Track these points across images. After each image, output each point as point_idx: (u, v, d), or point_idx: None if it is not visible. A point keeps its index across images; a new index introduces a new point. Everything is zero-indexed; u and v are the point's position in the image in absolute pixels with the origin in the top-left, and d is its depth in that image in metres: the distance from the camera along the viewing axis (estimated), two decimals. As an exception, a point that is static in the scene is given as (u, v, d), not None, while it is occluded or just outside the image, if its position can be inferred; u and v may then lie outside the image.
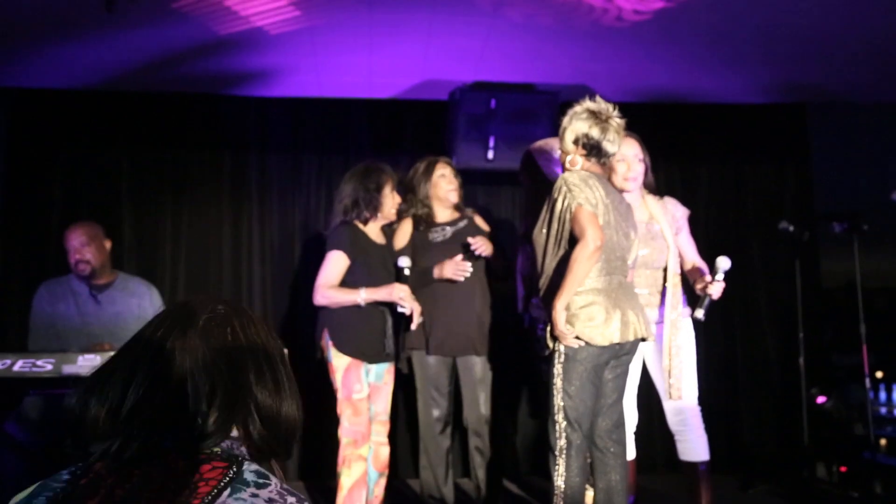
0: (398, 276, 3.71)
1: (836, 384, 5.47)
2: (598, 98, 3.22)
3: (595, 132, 3.17)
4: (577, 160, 3.20)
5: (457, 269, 3.85)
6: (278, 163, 5.35)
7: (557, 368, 3.09)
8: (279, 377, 1.27)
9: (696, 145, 5.54)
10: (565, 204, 3.08)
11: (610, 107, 3.21)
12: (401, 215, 4.02)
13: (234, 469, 1.13)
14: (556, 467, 3.06)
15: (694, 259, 3.71)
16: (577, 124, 3.18)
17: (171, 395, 1.18)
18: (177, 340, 1.21)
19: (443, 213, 4.07)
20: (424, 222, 4.04)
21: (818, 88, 5.28)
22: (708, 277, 3.51)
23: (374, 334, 3.68)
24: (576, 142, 3.19)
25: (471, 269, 3.88)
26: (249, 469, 1.14)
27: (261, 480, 1.13)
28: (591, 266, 3.03)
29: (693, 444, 3.53)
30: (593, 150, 3.19)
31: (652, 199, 3.68)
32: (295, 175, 5.35)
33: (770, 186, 5.64)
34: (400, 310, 3.67)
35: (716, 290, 3.46)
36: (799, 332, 4.72)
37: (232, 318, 1.28)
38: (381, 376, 3.78)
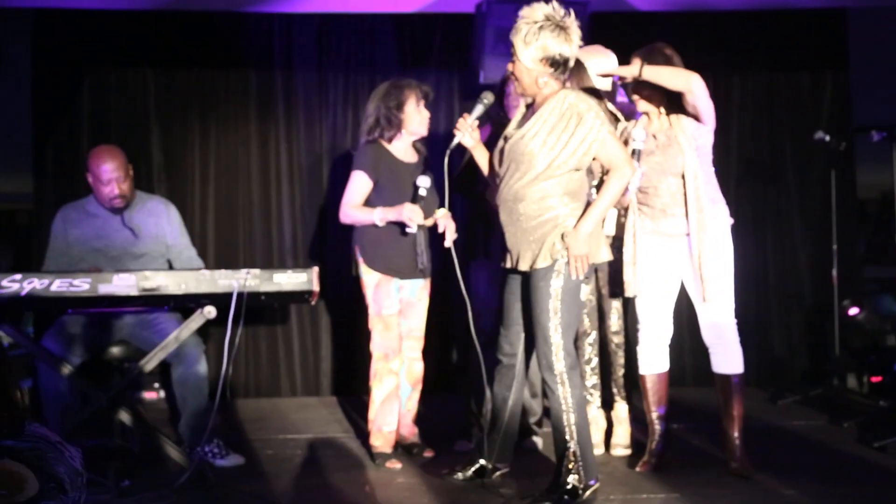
0: (413, 195, 3.63)
1: (868, 296, 5.42)
2: (553, 2, 2.93)
3: (566, 48, 2.94)
4: (548, 81, 2.98)
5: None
6: (304, 81, 5.29)
7: (556, 289, 2.99)
8: None
9: (731, 54, 5.35)
10: (596, 129, 2.94)
11: (562, 10, 2.92)
12: None
13: None
14: (562, 386, 3.01)
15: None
16: (547, 41, 2.90)
17: None
18: None
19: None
20: None
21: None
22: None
23: (405, 250, 3.65)
24: (543, 60, 2.94)
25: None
26: None
27: None
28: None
29: (728, 357, 3.47)
30: (560, 67, 2.97)
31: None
32: (321, 93, 5.30)
33: (806, 96, 5.49)
34: (407, 230, 3.58)
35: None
36: (832, 244, 4.66)
37: None
38: (415, 293, 3.78)
